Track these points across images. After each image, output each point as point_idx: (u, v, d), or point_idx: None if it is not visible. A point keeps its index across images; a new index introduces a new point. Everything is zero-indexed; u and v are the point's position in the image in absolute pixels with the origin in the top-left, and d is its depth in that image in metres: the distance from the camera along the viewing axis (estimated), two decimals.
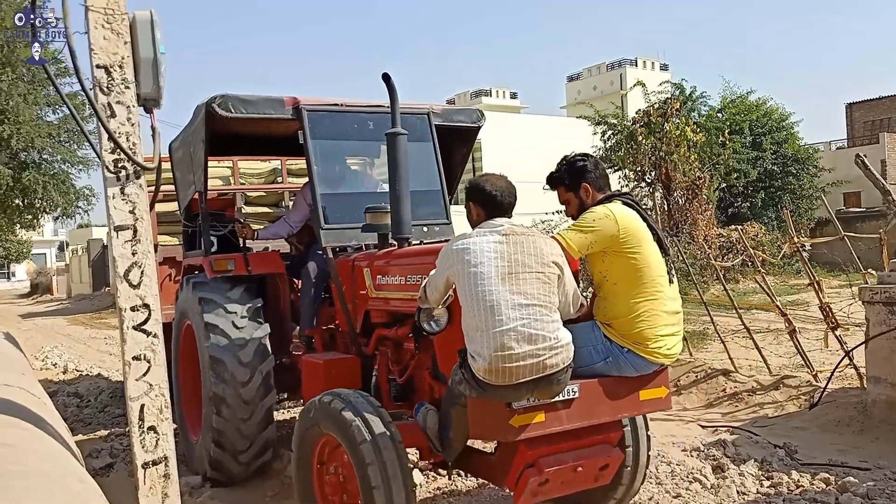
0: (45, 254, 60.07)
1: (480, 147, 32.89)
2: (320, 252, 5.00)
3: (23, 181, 25.97)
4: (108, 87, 2.21)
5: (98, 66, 2.20)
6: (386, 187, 4.61)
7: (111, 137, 2.21)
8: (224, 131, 5.27)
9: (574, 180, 3.67)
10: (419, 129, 5.37)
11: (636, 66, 47.76)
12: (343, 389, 3.65)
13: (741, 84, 67.37)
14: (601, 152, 23.49)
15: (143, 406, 2.26)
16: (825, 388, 6.33)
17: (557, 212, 18.34)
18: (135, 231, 2.32)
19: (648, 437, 4.11)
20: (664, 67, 49.20)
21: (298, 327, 5.33)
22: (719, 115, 25.71)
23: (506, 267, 3.12)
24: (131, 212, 2.33)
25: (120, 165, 2.27)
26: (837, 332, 6.64)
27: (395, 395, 4.21)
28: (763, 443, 5.48)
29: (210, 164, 7.91)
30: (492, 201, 3.38)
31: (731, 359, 7.70)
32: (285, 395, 5.87)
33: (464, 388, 3.17)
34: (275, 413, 5.32)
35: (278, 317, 5.55)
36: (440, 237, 5.09)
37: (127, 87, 2.26)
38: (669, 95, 22.77)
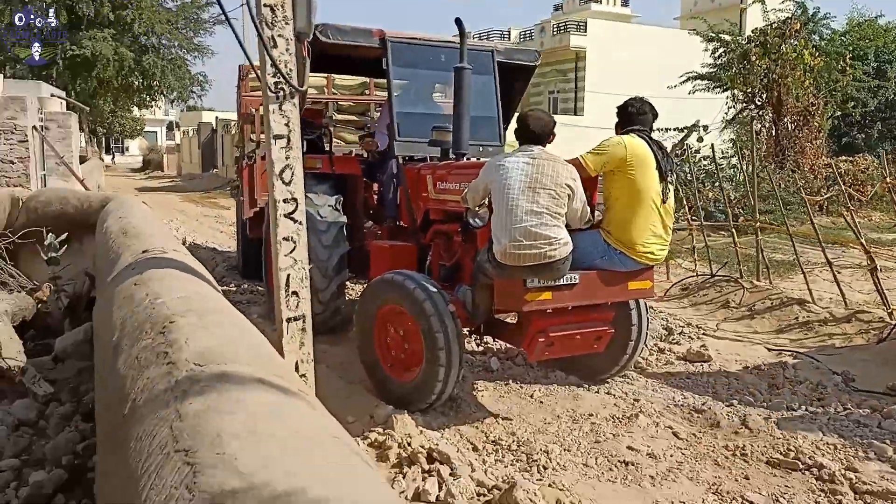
0: (155, 132, 62.64)
1: (585, 56, 32.10)
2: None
3: (143, 64, 27.59)
4: (272, 23, 2.74)
5: (265, 6, 2.73)
6: (450, 111, 5.49)
7: (273, 64, 2.75)
8: (320, 53, 6.11)
9: (618, 115, 4.75)
10: (483, 64, 6.22)
11: None
12: (411, 271, 4.74)
13: (871, 6, 62.03)
14: (710, 69, 22.68)
15: (288, 275, 2.94)
16: None
17: (668, 129, 18.04)
18: (288, 140, 2.92)
19: (648, 320, 5.23)
20: None
21: (388, 217, 6.32)
22: (843, 38, 24.16)
23: (527, 182, 4.10)
24: (286, 124, 2.93)
25: (279, 87, 2.84)
26: None
27: (444, 276, 5.31)
28: (823, 369, 5.75)
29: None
30: (526, 132, 4.36)
31: (809, 290, 7.82)
32: (353, 276, 6.81)
33: (488, 266, 4.25)
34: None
35: (353, 210, 6.57)
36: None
37: (287, 23, 2.78)
38: (790, 15, 21.55)
